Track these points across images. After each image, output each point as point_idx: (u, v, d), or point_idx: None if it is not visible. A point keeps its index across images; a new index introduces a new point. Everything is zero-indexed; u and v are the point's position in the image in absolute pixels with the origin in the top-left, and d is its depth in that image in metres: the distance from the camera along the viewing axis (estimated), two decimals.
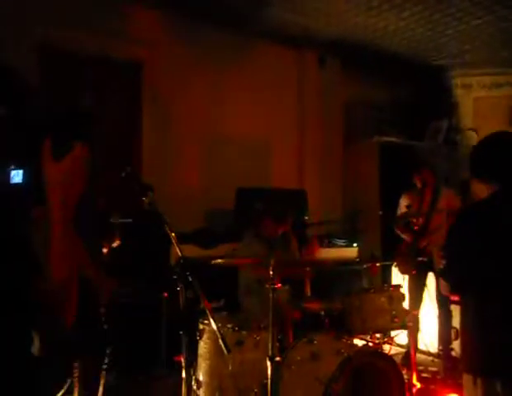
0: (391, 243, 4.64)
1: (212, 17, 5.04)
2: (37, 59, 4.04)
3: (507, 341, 1.76)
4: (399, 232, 4.44)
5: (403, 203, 4.44)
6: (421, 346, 4.54)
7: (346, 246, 5.19)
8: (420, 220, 4.11)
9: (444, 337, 4.20)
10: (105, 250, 2.99)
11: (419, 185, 4.36)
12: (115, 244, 3.05)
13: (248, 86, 5.50)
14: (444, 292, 2.11)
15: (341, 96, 6.26)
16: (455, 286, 2.01)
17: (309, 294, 3.76)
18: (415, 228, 3.86)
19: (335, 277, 4.47)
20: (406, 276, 4.20)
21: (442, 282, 2.05)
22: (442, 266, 1.99)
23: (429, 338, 4.55)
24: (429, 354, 4.56)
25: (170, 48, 4.96)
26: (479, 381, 1.80)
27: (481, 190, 1.97)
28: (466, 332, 1.96)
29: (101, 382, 2.54)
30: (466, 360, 1.92)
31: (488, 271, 1.81)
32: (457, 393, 3.09)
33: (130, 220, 3.93)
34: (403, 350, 4.26)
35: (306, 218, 5.21)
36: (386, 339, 3.25)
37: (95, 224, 2.90)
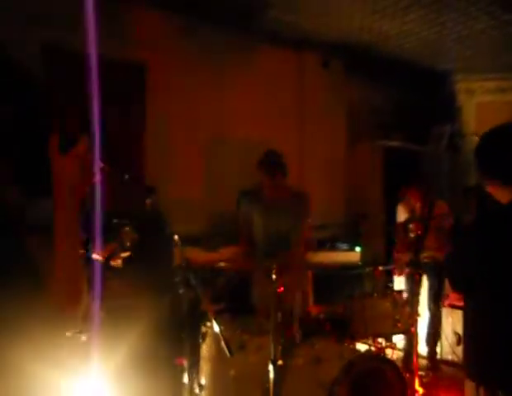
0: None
1: (215, 19, 5.05)
2: (40, 60, 4.06)
3: (511, 351, 1.74)
4: (398, 240, 4.51)
5: (401, 211, 4.50)
6: (422, 350, 4.52)
7: (348, 250, 5.18)
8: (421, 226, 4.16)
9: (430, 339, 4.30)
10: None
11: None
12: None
13: (251, 88, 5.50)
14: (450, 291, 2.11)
15: (344, 99, 6.25)
16: (459, 286, 1.97)
17: (311, 297, 3.76)
18: (419, 232, 3.86)
19: (337, 281, 4.46)
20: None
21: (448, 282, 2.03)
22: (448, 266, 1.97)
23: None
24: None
25: (173, 50, 4.97)
26: (481, 390, 1.78)
27: (500, 194, 1.79)
28: (468, 338, 1.94)
29: None
30: (469, 367, 1.90)
31: (496, 281, 1.78)
32: None
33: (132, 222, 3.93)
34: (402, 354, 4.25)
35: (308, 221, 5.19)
36: (388, 344, 3.23)
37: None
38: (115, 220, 3.64)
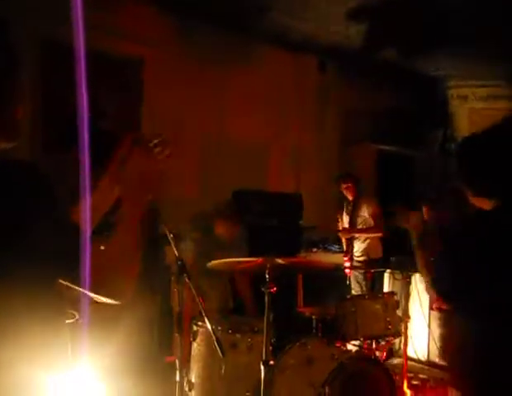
0: (387, 249, 4.67)
1: (213, 19, 5.04)
2: (38, 56, 4.04)
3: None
4: None
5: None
6: (411, 352, 4.56)
7: (340, 251, 5.20)
8: None
9: None
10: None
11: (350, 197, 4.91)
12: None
13: (247, 89, 5.50)
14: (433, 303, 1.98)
15: (339, 101, 6.29)
16: (446, 295, 1.88)
17: (302, 298, 3.78)
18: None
19: (328, 282, 4.49)
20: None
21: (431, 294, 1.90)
22: (432, 277, 1.88)
23: (418, 345, 4.57)
24: (418, 361, 4.58)
25: (170, 47, 4.95)
26: None
27: (481, 203, 1.76)
28: (464, 352, 1.81)
29: None
30: (462, 383, 1.80)
31: (493, 295, 1.69)
32: None
33: None
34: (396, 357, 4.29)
35: (301, 222, 5.22)
36: (379, 345, 3.27)
37: None
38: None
